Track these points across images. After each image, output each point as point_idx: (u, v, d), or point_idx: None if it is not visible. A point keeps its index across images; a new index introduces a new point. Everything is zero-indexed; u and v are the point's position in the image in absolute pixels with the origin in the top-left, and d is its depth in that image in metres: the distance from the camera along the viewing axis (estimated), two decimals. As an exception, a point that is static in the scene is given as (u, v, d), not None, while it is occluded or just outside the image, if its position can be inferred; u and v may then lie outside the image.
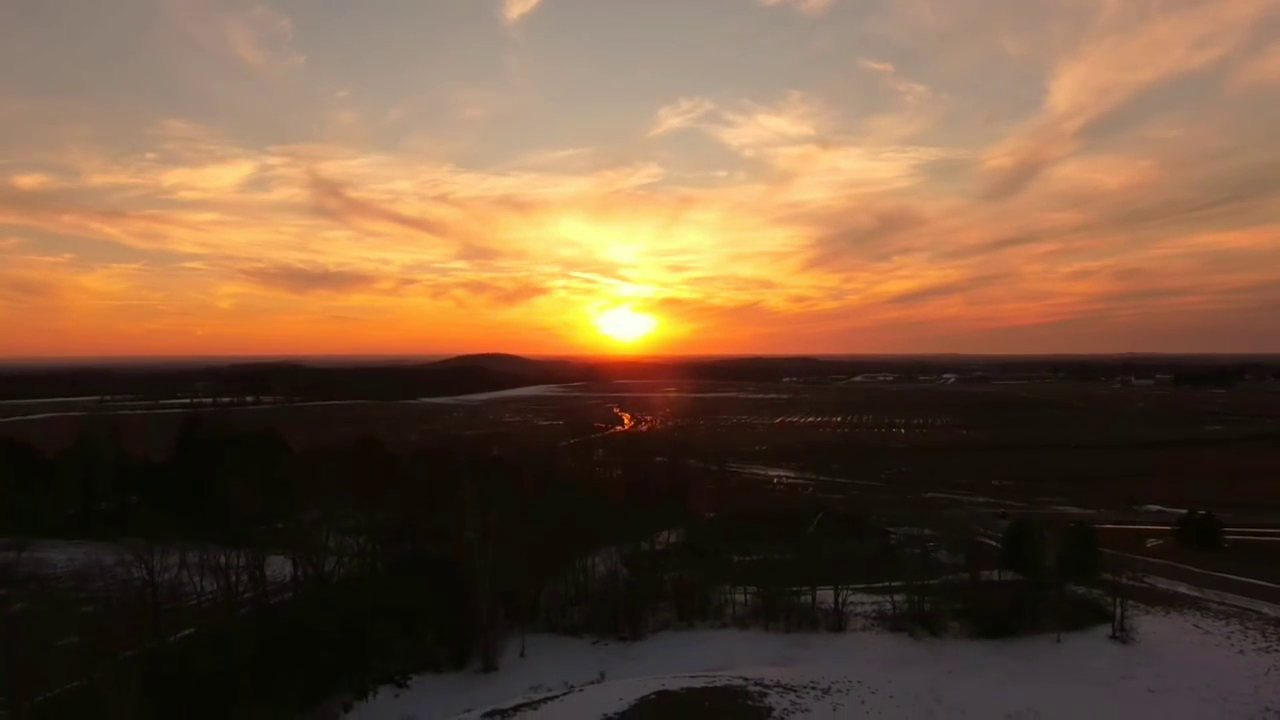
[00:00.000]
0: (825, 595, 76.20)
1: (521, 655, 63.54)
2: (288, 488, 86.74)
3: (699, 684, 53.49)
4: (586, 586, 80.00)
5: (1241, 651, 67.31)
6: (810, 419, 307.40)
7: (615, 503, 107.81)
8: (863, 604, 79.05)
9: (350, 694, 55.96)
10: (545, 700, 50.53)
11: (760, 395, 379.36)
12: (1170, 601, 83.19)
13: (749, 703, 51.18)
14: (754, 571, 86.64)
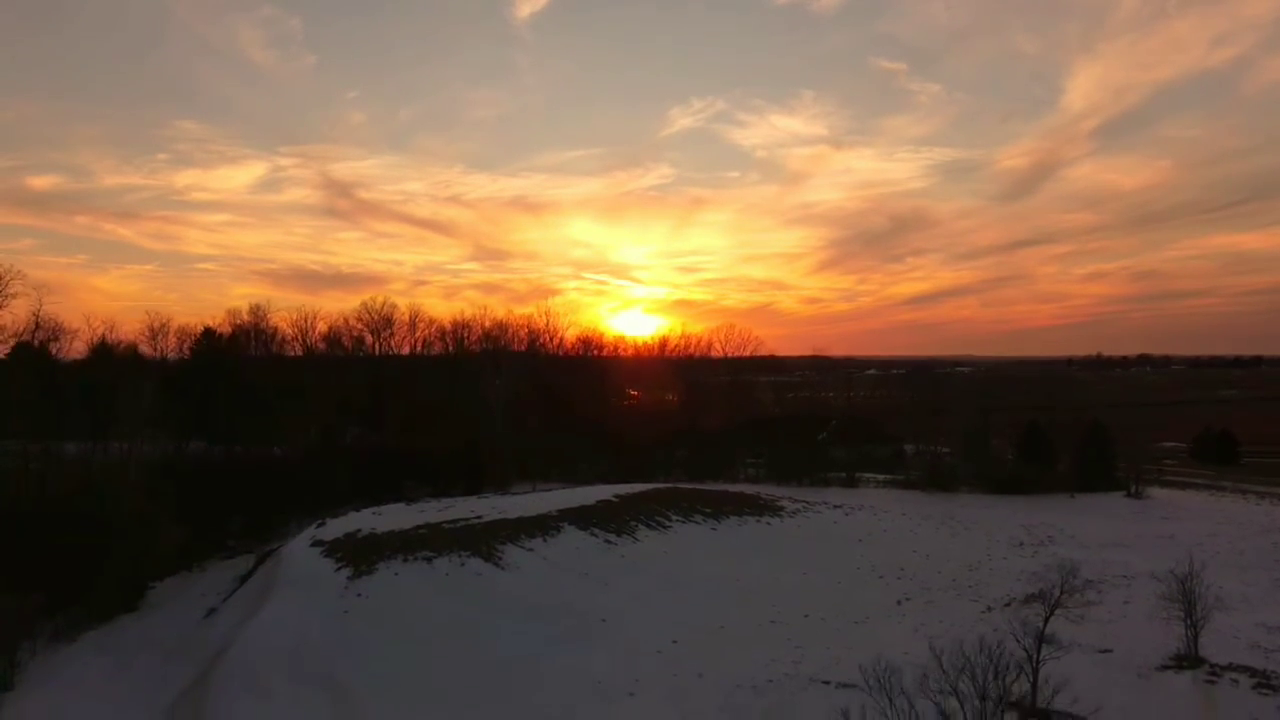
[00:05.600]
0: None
1: (533, 489, 63.79)
2: (301, 393, 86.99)
3: (707, 486, 53.61)
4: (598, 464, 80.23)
5: (1257, 504, 66.92)
6: (821, 395, 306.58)
7: (626, 422, 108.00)
8: (876, 478, 78.88)
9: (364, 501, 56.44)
10: (548, 489, 50.82)
11: (770, 379, 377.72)
12: (1185, 486, 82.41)
13: (760, 501, 51.31)
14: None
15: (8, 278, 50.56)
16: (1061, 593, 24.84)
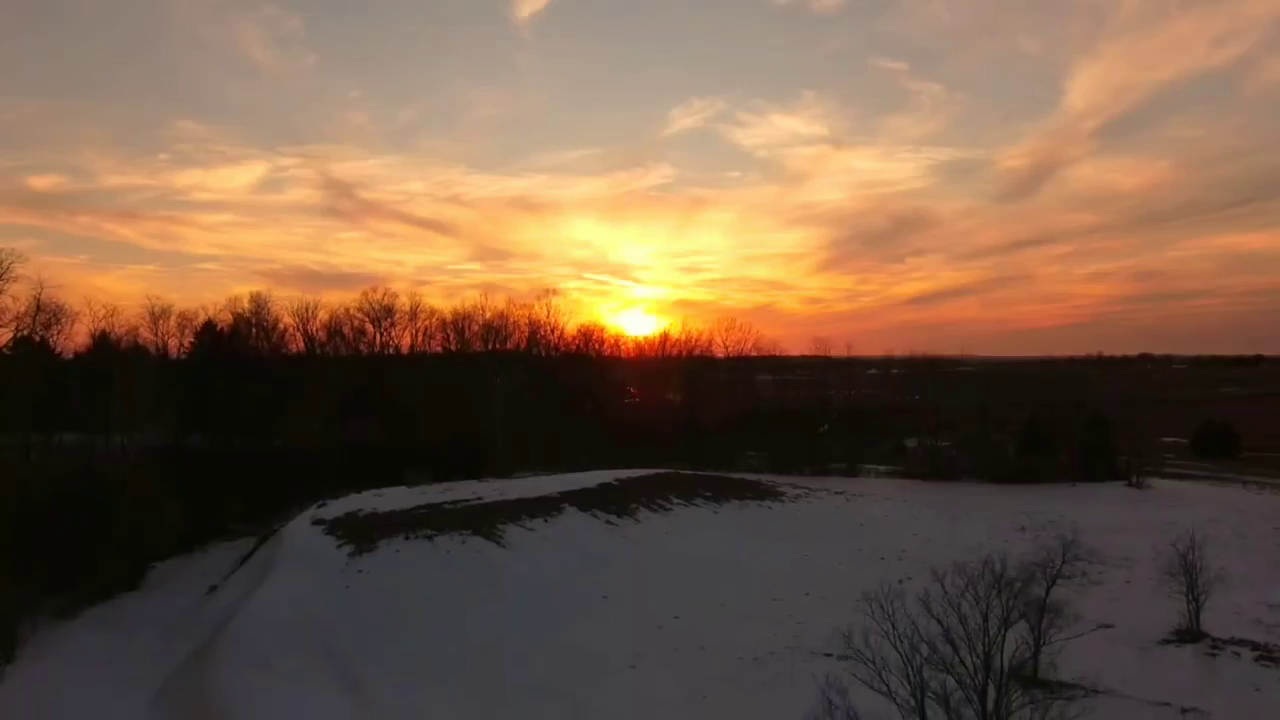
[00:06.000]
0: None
1: (533, 474, 63.82)
2: (301, 386, 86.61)
3: (705, 472, 53.56)
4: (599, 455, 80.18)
5: (1258, 494, 66.92)
6: (822, 392, 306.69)
7: (627, 415, 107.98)
8: (877, 469, 78.94)
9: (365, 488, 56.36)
10: (551, 473, 50.77)
11: (772, 377, 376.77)
12: (1185, 477, 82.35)
13: (761, 486, 51.29)
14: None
15: (8, 261, 50.47)
16: (1063, 562, 24.79)
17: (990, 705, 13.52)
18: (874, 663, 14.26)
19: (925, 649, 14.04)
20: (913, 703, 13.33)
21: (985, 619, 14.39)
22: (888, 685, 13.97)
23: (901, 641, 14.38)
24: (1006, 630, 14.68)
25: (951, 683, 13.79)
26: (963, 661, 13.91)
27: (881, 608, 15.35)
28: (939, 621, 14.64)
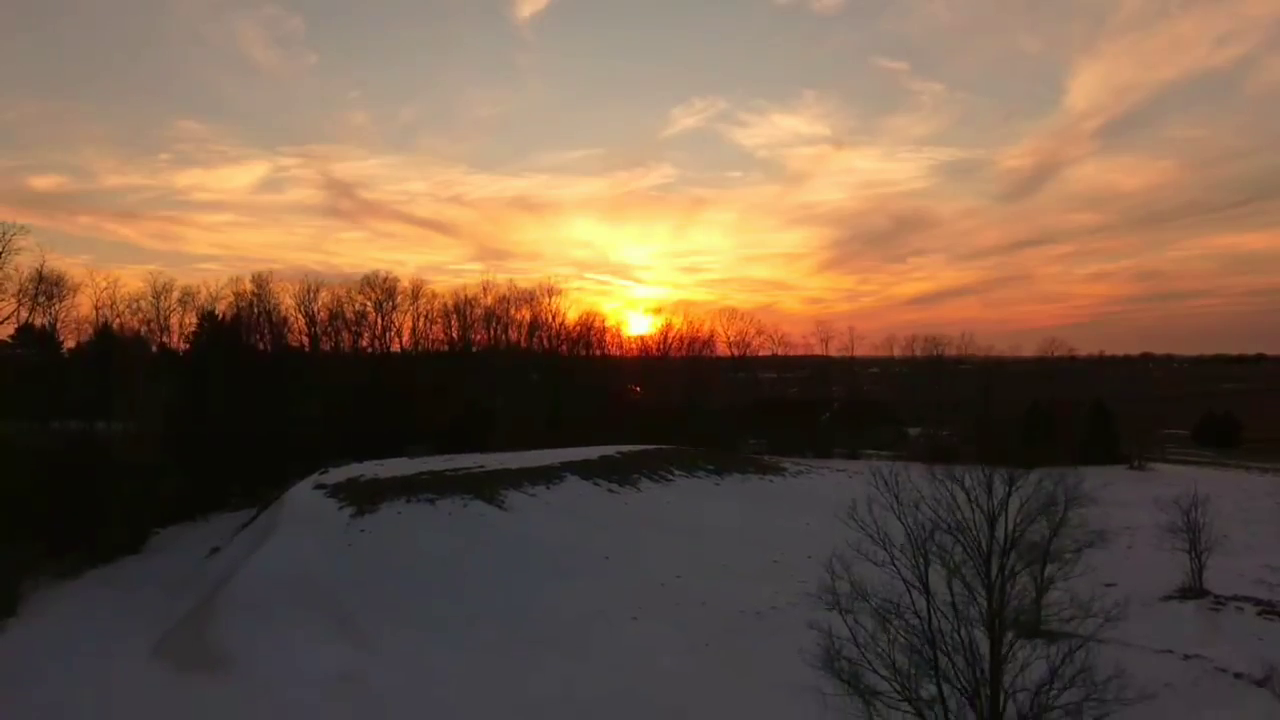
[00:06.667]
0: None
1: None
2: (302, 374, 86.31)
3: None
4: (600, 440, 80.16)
5: (1261, 476, 66.86)
6: (825, 386, 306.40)
7: (629, 404, 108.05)
8: (879, 454, 78.92)
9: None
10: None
11: (773, 375, 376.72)
12: (1188, 464, 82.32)
13: (763, 462, 51.25)
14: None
15: (10, 234, 50.42)
16: (1066, 510, 24.68)
17: (994, 573, 13.60)
18: (877, 536, 14.36)
19: (929, 512, 14.13)
20: (916, 573, 13.42)
21: (989, 488, 14.43)
22: (890, 555, 14.04)
23: (905, 515, 14.47)
24: (1012, 491, 14.76)
25: (956, 554, 13.89)
26: (967, 530, 13.99)
27: (885, 481, 15.48)
28: (945, 484, 14.73)
